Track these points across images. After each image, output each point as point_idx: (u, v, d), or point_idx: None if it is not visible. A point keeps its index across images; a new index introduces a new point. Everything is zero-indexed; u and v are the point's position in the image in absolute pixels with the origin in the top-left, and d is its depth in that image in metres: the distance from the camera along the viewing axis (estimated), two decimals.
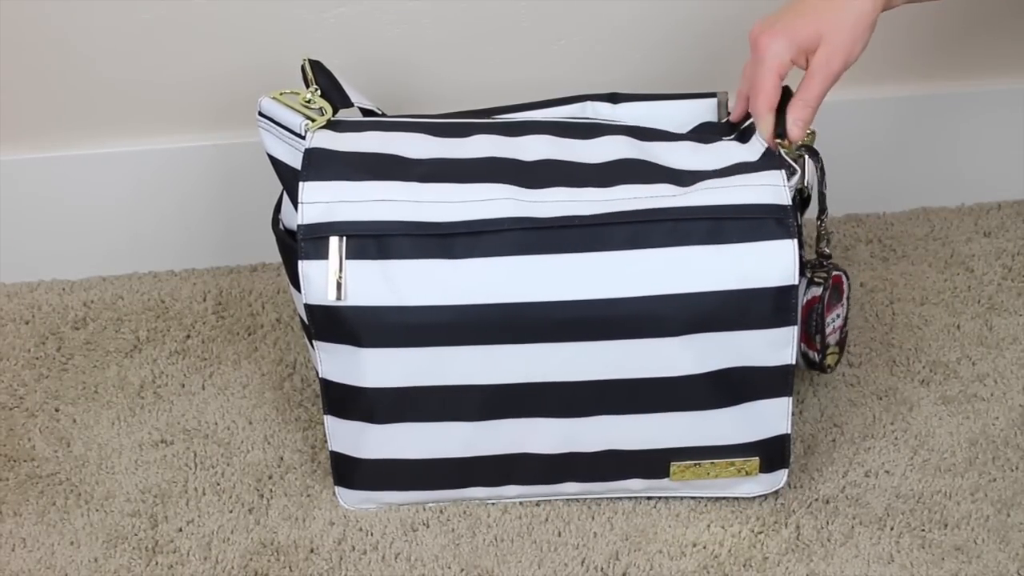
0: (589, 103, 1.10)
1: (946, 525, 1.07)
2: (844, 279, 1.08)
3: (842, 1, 1.02)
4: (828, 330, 1.09)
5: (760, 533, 1.07)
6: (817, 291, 1.06)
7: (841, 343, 1.11)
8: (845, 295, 1.08)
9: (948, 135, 1.38)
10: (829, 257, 1.08)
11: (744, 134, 1.05)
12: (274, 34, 1.25)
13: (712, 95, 1.10)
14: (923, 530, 1.07)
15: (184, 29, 1.24)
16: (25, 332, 1.29)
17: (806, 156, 1.03)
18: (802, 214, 1.05)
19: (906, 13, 1.30)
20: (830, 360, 1.11)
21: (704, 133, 1.08)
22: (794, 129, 1.03)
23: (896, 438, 1.15)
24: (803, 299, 1.06)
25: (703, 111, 1.11)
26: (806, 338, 1.09)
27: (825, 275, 1.06)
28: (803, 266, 1.04)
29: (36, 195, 1.31)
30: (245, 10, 1.23)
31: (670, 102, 1.10)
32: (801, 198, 1.04)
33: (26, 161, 1.30)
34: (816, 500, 1.09)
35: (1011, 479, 1.11)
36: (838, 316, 1.08)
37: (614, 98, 1.10)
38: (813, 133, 1.04)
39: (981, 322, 1.26)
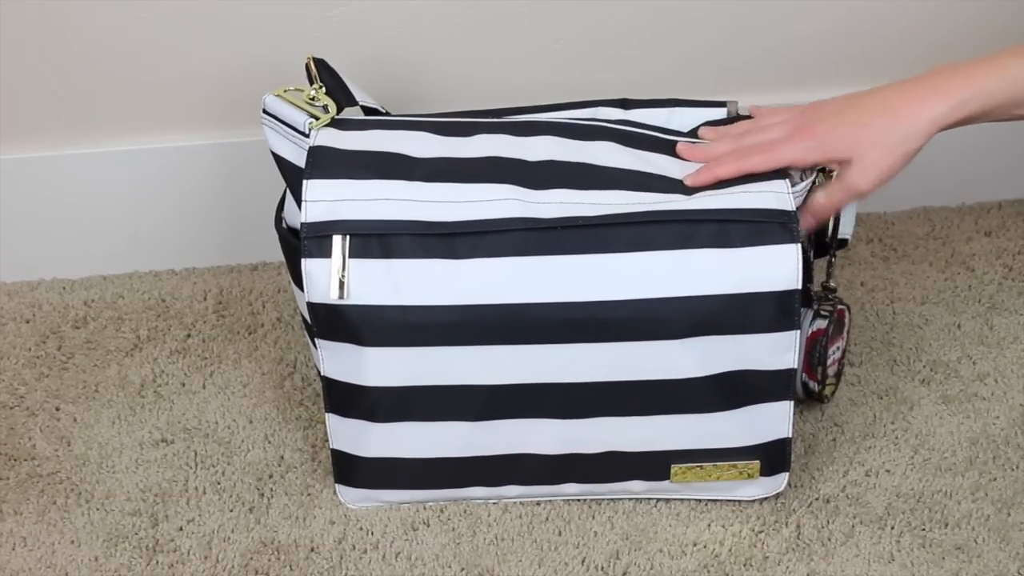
0: (600, 109, 1.10)
1: (946, 524, 1.07)
2: (847, 313, 1.09)
3: (896, 118, 0.98)
4: (828, 361, 1.10)
5: (761, 532, 1.07)
6: (822, 323, 1.07)
7: (839, 374, 1.13)
8: (846, 328, 1.09)
9: (948, 134, 1.38)
10: (835, 291, 1.08)
11: None
12: (275, 33, 1.24)
13: (722, 104, 1.09)
14: (923, 529, 1.07)
15: (185, 27, 1.24)
16: (26, 331, 1.29)
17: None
18: (832, 255, 1.08)
19: (906, 13, 1.30)
20: (828, 391, 1.13)
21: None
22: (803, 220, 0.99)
23: (896, 437, 1.15)
24: (808, 331, 1.07)
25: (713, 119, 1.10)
26: (808, 369, 1.09)
27: (831, 308, 1.07)
28: (810, 298, 1.05)
29: (36, 194, 1.31)
30: (246, 9, 1.23)
31: (682, 109, 1.09)
32: (839, 242, 1.06)
33: (26, 160, 1.29)
34: (816, 499, 1.09)
35: (1012, 478, 1.11)
36: (838, 348, 1.10)
37: (625, 104, 1.10)
38: (826, 172, 1.04)
39: (982, 321, 1.27)
